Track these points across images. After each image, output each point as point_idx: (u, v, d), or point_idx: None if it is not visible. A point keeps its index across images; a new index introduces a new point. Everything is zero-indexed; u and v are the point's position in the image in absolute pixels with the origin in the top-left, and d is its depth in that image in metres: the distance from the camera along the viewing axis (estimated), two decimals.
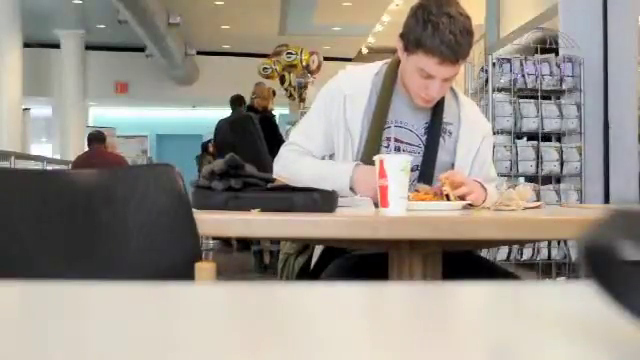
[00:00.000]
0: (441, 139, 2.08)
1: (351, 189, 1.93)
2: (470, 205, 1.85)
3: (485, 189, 1.93)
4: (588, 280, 0.43)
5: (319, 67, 10.22)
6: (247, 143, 6.05)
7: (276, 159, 2.13)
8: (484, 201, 1.90)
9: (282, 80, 10.12)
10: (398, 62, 2.08)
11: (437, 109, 2.08)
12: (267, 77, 10.20)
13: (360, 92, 2.07)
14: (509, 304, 0.63)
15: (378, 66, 2.14)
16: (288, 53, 10.09)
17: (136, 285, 0.69)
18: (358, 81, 2.10)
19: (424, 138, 2.08)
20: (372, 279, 0.66)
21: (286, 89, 10.13)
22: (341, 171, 1.96)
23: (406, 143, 2.06)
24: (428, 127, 2.08)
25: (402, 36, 1.99)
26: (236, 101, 6.70)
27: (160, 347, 0.44)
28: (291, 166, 2.05)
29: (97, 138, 7.54)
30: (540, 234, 1.87)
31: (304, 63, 10.06)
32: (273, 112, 7.48)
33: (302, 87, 10.07)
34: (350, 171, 1.94)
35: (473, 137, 2.12)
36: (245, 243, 6.25)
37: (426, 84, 1.97)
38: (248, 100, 7.00)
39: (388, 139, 2.05)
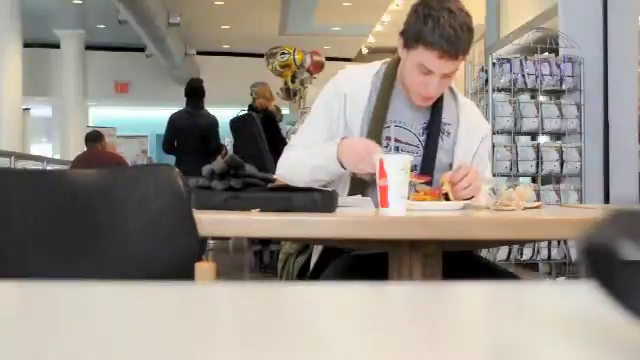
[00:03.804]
0: (439, 139, 2.08)
1: (342, 167, 1.94)
2: (469, 199, 1.85)
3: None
4: (589, 280, 0.43)
5: (318, 66, 10.21)
6: (249, 143, 6.05)
7: (279, 162, 2.13)
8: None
9: (293, 78, 10.13)
10: (397, 62, 2.08)
11: (436, 109, 2.08)
12: (279, 75, 10.20)
13: (360, 92, 2.07)
14: (509, 304, 0.62)
15: (377, 66, 2.14)
16: (282, 53, 10.12)
17: (136, 285, 0.69)
18: (358, 81, 2.10)
19: (422, 138, 2.08)
20: (372, 279, 0.66)
21: (297, 89, 10.14)
22: (329, 145, 1.98)
23: (405, 143, 2.06)
24: (427, 127, 2.08)
25: (402, 33, 2.00)
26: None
27: (160, 347, 0.44)
28: (290, 163, 2.06)
29: (93, 138, 7.55)
30: (540, 234, 1.87)
31: (298, 62, 10.07)
32: (282, 112, 7.52)
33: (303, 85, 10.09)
34: (337, 141, 1.96)
35: (471, 138, 2.12)
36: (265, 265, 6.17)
37: (425, 81, 1.97)
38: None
39: (388, 139, 2.05)
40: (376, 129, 2.04)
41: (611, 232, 0.43)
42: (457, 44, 1.90)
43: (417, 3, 1.97)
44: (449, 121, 2.11)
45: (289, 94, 10.12)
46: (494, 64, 5.44)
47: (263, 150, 5.97)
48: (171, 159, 6.78)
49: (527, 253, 5.35)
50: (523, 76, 5.45)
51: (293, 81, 10.09)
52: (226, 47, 17.05)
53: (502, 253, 5.26)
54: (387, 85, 2.08)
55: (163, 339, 0.46)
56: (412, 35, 1.95)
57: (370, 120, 2.05)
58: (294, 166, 2.03)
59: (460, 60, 1.96)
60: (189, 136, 6.56)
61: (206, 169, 1.65)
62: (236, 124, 6.40)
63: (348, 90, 2.07)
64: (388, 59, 2.15)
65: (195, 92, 6.76)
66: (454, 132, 2.11)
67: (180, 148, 6.70)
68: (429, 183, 1.97)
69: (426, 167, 2.05)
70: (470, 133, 2.12)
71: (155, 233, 1.20)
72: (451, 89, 2.14)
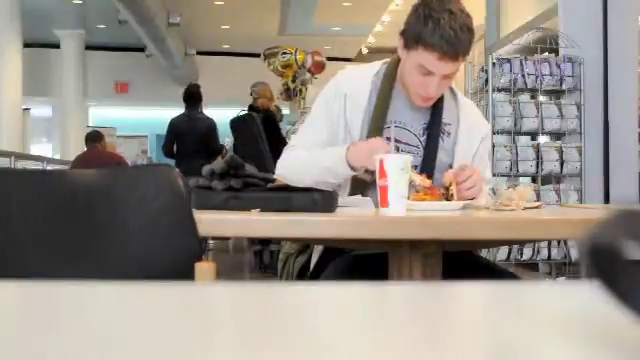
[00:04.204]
0: (440, 140, 2.08)
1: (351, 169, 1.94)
2: (470, 200, 1.85)
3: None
4: (592, 280, 0.43)
5: (319, 67, 10.23)
6: (249, 143, 6.06)
7: (278, 162, 2.13)
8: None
9: (294, 78, 10.15)
10: (397, 62, 2.08)
11: (436, 109, 2.08)
12: (280, 75, 10.21)
13: (360, 92, 2.07)
14: (509, 304, 0.62)
15: (377, 66, 2.14)
16: (283, 53, 10.13)
17: (136, 285, 0.69)
18: (358, 81, 2.10)
19: (422, 138, 2.08)
20: (372, 279, 0.66)
21: (298, 89, 10.15)
22: (337, 150, 1.98)
23: (404, 143, 2.06)
24: (427, 127, 2.08)
25: (403, 33, 1.99)
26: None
27: (160, 347, 0.43)
28: (291, 163, 2.06)
29: (93, 138, 7.56)
30: (540, 234, 1.87)
31: (299, 62, 10.09)
32: (282, 112, 7.57)
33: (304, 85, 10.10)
34: (345, 146, 1.96)
35: (471, 138, 2.12)
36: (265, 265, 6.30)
37: (425, 82, 1.97)
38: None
39: (388, 139, 2.05)
40: (376, 129, 2.03)
41: (614, 232, 0.43)
42: (457, 45, 1.90)
43: (418, 3, 1.97)
44: (449, 121, 2.11)
45: (290, 95, 10.13)
46: (494, 64, 5.44)
47: (263, 150, 5.98)
48: (171, 161, 6.90)
49: (527, 253, 5.35)
50: (523, 76, 5.45)
51: (294, 81, 10.10)
52: (226, 47, 17.06)
53: (502, 253, 5.26)
54: (387, 85, 2.07)
55: (163, 339, 0.46)
56: (412, 36, 1.94)
57: (370, 120, 2.04)
58: (295, 166, 2.03)
59: (460, 61, 1.95)
60: (188, 139, 6.89)
61: (206, 169, 1.64)
62: (236, 124, 6.40)
63: (348, 90, 2.07)
64: (388, 59, 2.15)
65: (193, 97, 7.10)
66: (454, 132, 2.11)
67: (180, 151, 6.99)
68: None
69: (427, 167, 2.04)
70: (470, 133, 2.12)
71: (155, 233, 1.20)
72: (451, 89, 2.14)
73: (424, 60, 1.93)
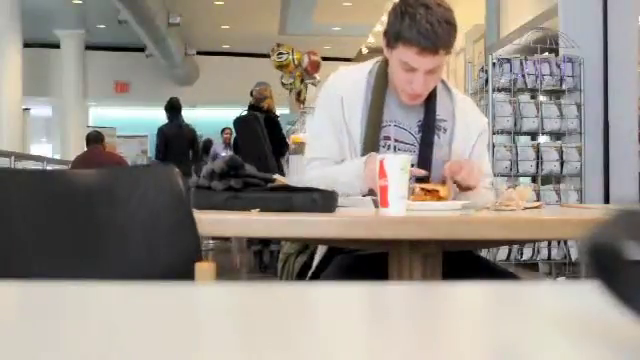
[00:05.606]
0: (435, 136, 2.08)
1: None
2: (467, 189, 1.86)
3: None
4: (592, 280, 0.43)
5: (316, 67, 10.22)
6: (252, 142, 6.07)
7: (302, 179, 2.11)
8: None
9: (302, 79, 10.17)
10: (387, 61, 2.08)
11: (430, 106, 2.08)
12: (288, 74, 10.23)
13: (355, 92, 2.06)
14: (509, 304, 0.62)
15: (370, 65, 2.14)
16: (279, 53, 10.13)
17: (136, 285, 0.69)
18: (352, 81, 2.10)
19: (418, 136, 2.08)
20: (372, 279, 0.66)
21: (299, 89, 10.16)
22: (354, 167, 1.97)
23: (401, 142, 2.06)
24: (422, 125, 2.08)
25: (385, 33, 2.00)
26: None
27: (160, 347, 0.43)
28: (316, 183, 2.04)
29: (94, 138, 7.56)
30: (540, 234, 1.87)
31: (296, 62, 10.09)
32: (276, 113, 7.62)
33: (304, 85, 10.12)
34: (362, 166, 1.95)
35: (469, 133, 2.11)
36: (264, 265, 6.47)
37: (410, 78, 1.97)
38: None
39: (387, 138, 2.04)
40: (373, 129, 2.03)
41: (615, 232, 0.43)
42: (435, 39, 1.90)
43: (396, 2, 1.98)
44: (444, 117, 2.10)
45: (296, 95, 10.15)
46: (494, 64, 5.44)
47: (266, 150, 5.99)
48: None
49: (527, 253, 5.35)
50: (523, 76, 5.45)
51: (302, 81, 10.11)
52: (226, 47, 17.06)
53: (502, 253, 5.26)
54: (380, 85, 2.07)
55: (163, 339, 0.46)
56: (392, 34, 1.96)
57: (367, 120, 2.04)
58: (317, 184, 1.99)
59: (442, 55, 1.94)
60: (175, 144, 8.18)
61: (206, 169, 1.64)
62: (239, 124, 6.42)
63: (344, 93, 2.06)
64: (380, 58, 2.14)
65: (174, 108, 8.35)
66: (450, 128, 2.10)
67: (168, 153, 8.10)
68: (427, 178, 1.97)
69: (423, 165, 2.04)
70: (467, 129, 2.12)
71: (155, 233, 1.20)
72: (445, 85, 2.14)
73: (405, 56, 1.94)
